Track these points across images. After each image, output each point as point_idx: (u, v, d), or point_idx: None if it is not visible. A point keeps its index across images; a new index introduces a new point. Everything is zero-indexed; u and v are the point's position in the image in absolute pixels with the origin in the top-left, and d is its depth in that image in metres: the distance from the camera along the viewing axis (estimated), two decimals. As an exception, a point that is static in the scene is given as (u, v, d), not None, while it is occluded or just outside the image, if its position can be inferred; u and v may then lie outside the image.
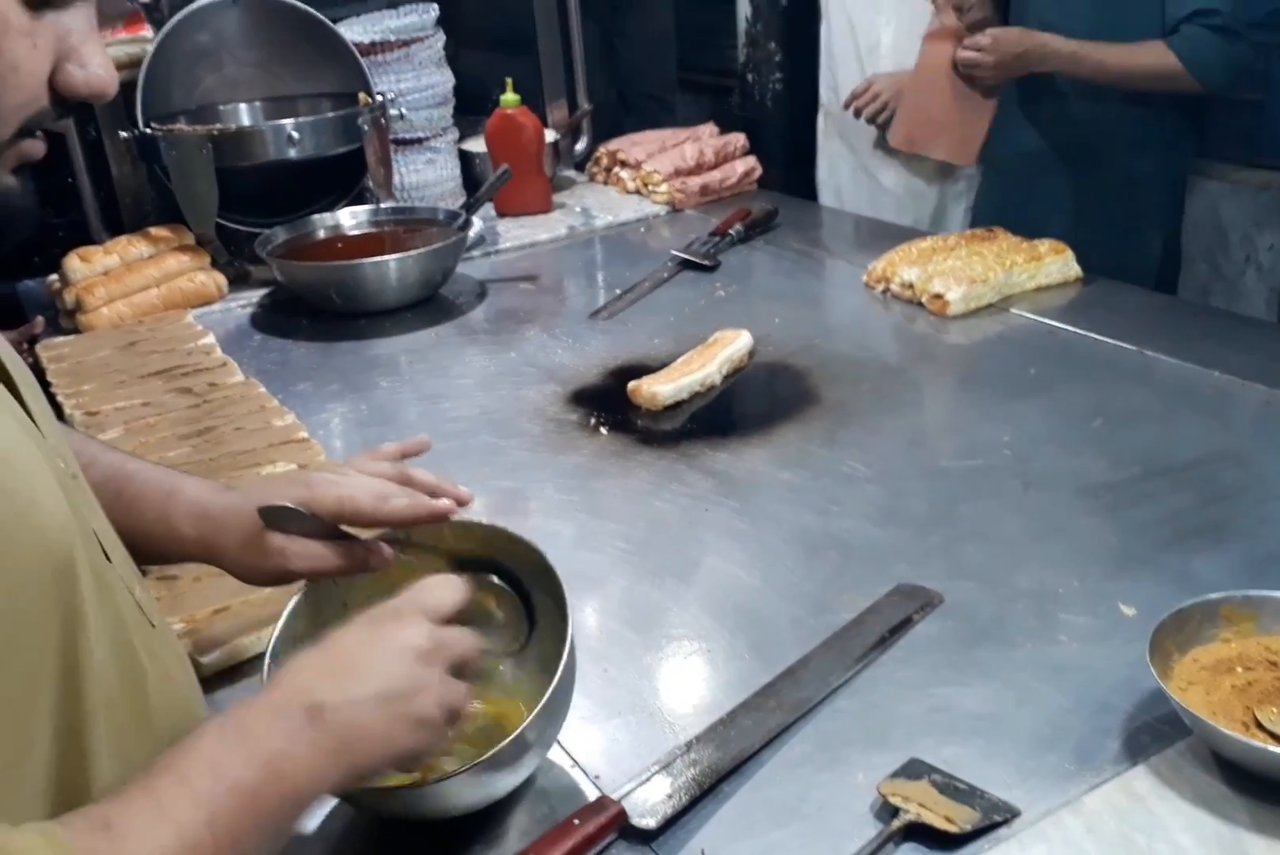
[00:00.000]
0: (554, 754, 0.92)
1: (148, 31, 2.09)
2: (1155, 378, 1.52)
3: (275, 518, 0.86)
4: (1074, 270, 1.82)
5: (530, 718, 0.79)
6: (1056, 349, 1.63)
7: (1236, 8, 1.90)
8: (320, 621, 0.90)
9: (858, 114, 2.42)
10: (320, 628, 0.85)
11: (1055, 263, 1.81)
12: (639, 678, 1.02)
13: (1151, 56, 1.93)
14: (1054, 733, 0.92)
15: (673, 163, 2.42)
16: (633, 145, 2.54)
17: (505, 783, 0.84)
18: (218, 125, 2.11)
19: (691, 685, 1.02)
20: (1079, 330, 1.67)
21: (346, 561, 0.88)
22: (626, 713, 0.97)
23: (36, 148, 0.63)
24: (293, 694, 0.67)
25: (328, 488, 0.87)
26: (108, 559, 0.69)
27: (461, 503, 0.91)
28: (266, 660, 0.86)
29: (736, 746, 0.91)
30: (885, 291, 1.83)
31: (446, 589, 0.77)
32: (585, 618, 1.12)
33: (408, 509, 0.88)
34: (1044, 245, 1.83)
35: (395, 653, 0.71)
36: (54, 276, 1.99)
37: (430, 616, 0.74)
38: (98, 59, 0.62)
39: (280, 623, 0.89)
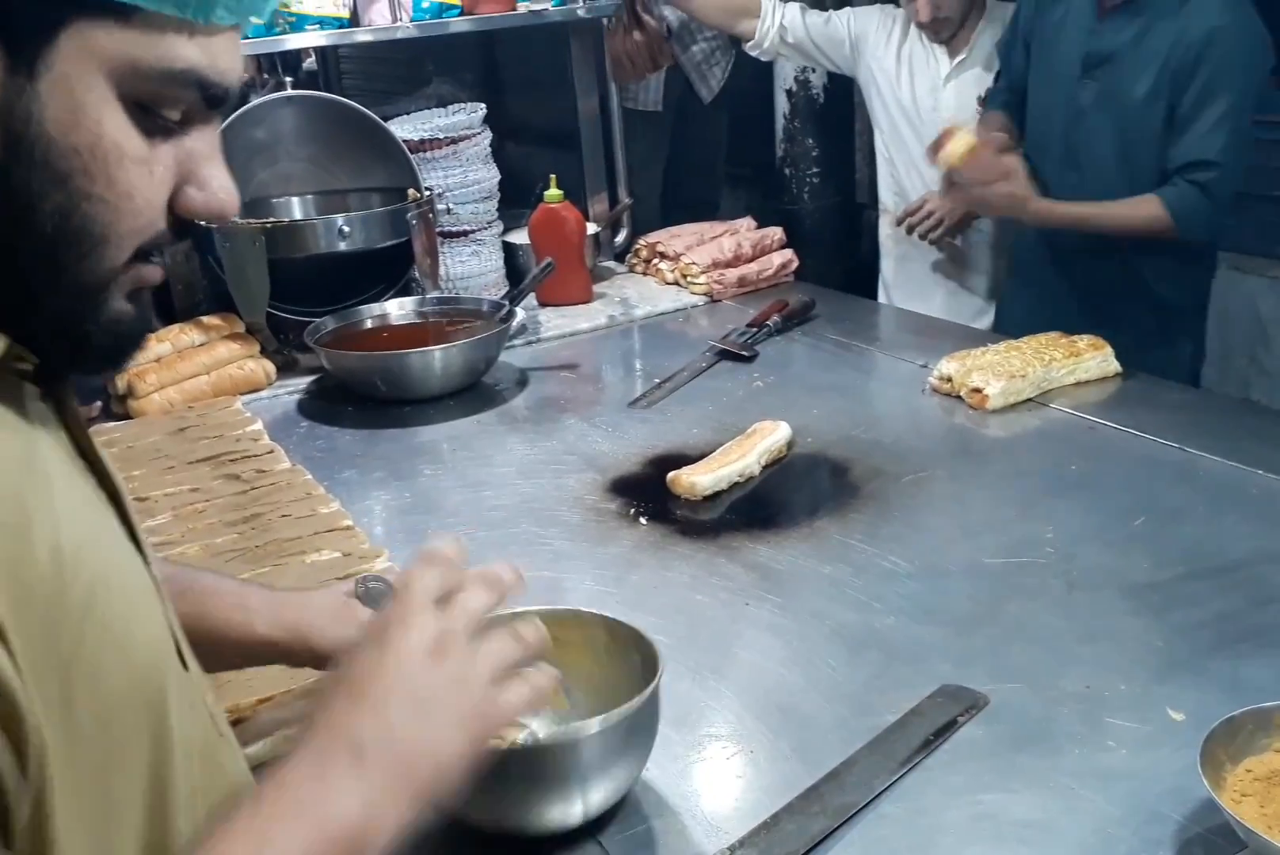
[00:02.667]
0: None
1: (207, 128, 2.17)
2: (1198, 476, 1.51)
3: (371, 595, 0.90)
4: (1113, 366, 1.83)
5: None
6: (1096, 445, 1.63)
7: (1229, 159, 1.94)
8: None
9: (910, 230, 2.45)
10: None
11: (1094, 358, 1.82)
12: (679, 779, 1.01)
13: (1144, 210, 1.99)
14: (1102, 843, 0.90)
15: (711, 255, 2.47)
16: (672, 237, 2.59)
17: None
18: (271, 219, 2.18)
19: (733, 787, 1.01)
20: (1119, 426, 1.67)
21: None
22: (668, 814, 0.96)
23: (154, 273, 0.63)
24: (330, 736, 0.64)
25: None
26: (185, 667, 0.68)
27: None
28: None
29: (779, 851, 0.90)
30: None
31: (429, 567, 0.73)
32: (624, 713, 1.11)
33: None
34: (1083, 341, 1.84)
35: (409, 661, 0.67)
36: (108, 362, 2.04)
37: (423, 600, 0.70)
38: (218, 181, 0.61)
39: None
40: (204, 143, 0.61)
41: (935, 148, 2.10)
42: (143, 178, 0.57)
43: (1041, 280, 2.25)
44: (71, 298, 0.58)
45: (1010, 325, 2.25)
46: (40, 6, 0.52)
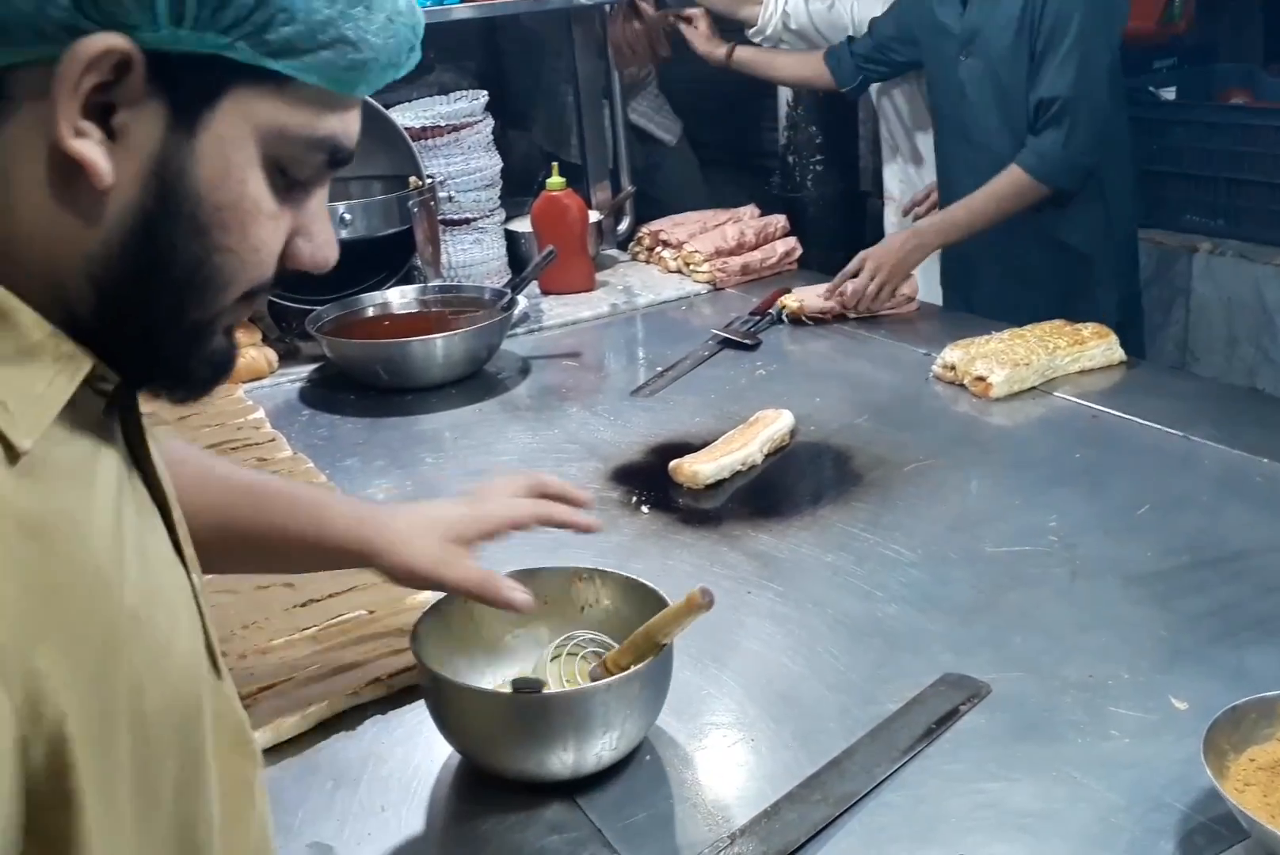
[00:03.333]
0: (595, 842, 0.91)
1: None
2: (1202, 464, 1.51)
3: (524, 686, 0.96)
4: (1118, 354, 1.82)
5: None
6: (1100, 433, 1.63)
7: (1078, 93, 1.99)
8: (447, 627, 1.04)
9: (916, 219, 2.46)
10: (447, 631, 1.03)
11: (1099, 346, 1.81)
12: (681, 766, 1.01)
13: (1008, 183, 2.05)
14: (1105, 831, 0.90)
15: (714, 243, 2.46)
16: (675, 226, 2.59)
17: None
18: (273, 206, 2.17)
19: (735, 775, 1.01)
20: (1124, 414, 1.66)
21: (492, 593, 0.97)
22: (669, 802, 0.96)
23: (249, 311, 0.65)
24: None
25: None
26: (219, 675, 0.68)
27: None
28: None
29: (781, 840, 0.90)
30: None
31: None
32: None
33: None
34: (1087, 329, 1.84)
35: None
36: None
37: None
38: (324, 236, 0.64)
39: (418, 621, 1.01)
40: (318, 199, 0.64)
41: (768, 302, 2.19)
42: (271, 233, 0.61)
43: (962, 256, 2.31)
44: (184, 337, 0.61)
45: (953, 306, 2.36)
46: (209, 71, 0.55)
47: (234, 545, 0.94)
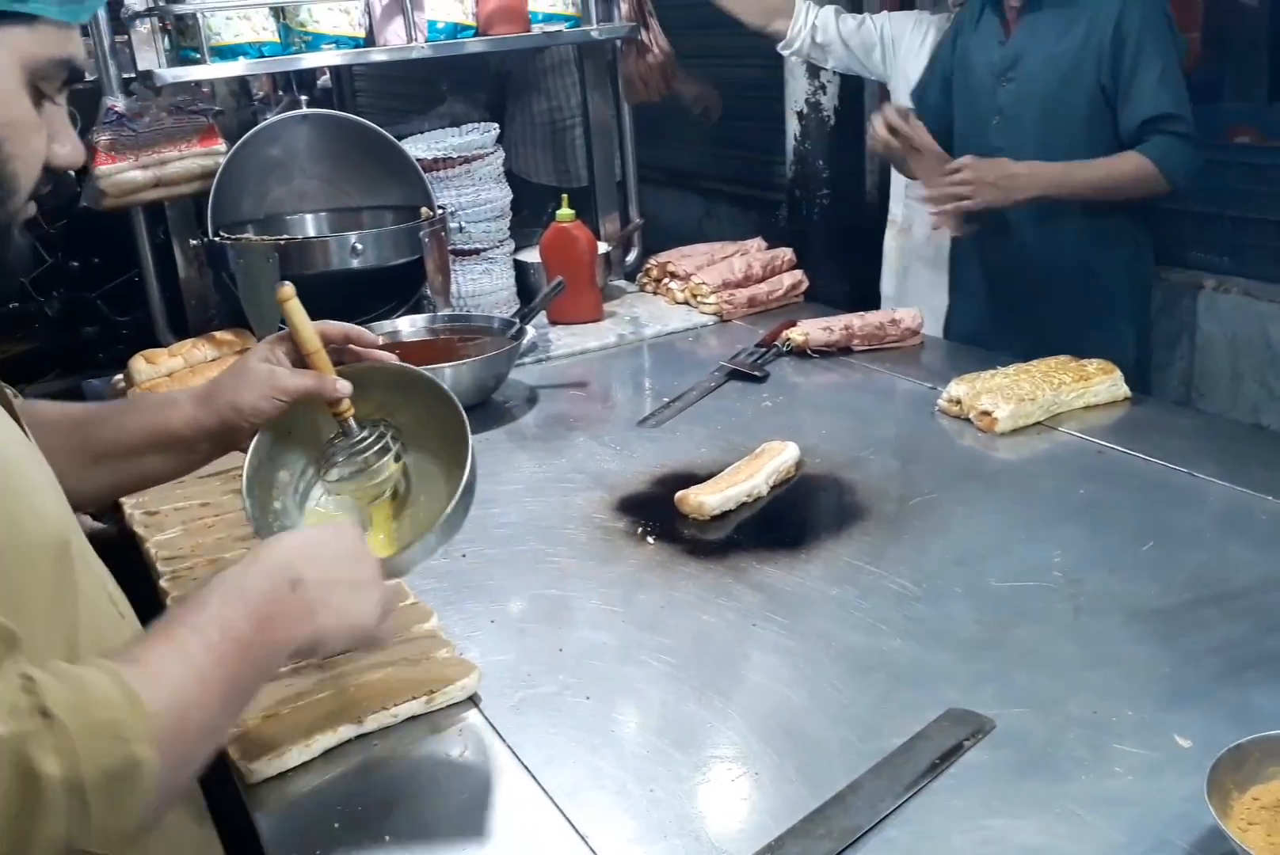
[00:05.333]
0: (598, 877, 0.91)
1: (220, 145, 2.19)
2: (1206, 501, 1.51)
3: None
4: (1122, 390, 1.83)
5: (457, 496, 1.07)
6: (1105, 469, 1.63)
7: (1184, 111, 2.11)
8: (290, 436, 1.15)
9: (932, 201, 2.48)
10: (291, 445, 1.15)
11: (1104, 382, 1.82)
12: (685, 800, 1.01)
13: (1130, 165, 2.12)
14: (1109, 870, 0.90)
15: (721, 275, 2.48)
16: (682, 258, 2.61)
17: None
18: (284, 236, 2.19)
19: (738, 808, 1.01)
20: (1128, 450, 1.67)
21: (321, 386, 1.10)
22: (673, 836, 0.96)
23: (32, 208, 0.84)
24: (279, 567, 0.87)
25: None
26: (79, 552, 0.88)
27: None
28: (245, 470, 1.11)
29: (784, 875, 0.89)
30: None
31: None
32: (627, 732, 1.12)
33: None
34: (1092, 365, 1.85)
35: (361, 553, 0.95)
36: (119, 376, 2.06)
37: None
38: (73, 141, 0.85)
39: (253, 443, 1.12)
40: (63, 112, 0.84)
41: (774, 335, 2.20)
42: (40, 142, 0.81)
43: (981, 264, 2.36)
44: None
45: (962, 322, 2.40)
46: None
47: (121, 455, 1.11)
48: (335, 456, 1.15)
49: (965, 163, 2.15)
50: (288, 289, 1.10)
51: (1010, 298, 2.32)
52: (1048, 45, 2.18)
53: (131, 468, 1.13)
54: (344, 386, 1.10)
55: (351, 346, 1.15)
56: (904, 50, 2.54)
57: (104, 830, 0.69)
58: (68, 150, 0.84)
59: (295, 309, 1.10)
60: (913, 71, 2.53)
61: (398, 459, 1.16)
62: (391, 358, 1.18)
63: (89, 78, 2.85)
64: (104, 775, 0.68)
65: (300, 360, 1.11)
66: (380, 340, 1.19)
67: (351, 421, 1.13)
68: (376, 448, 1.14)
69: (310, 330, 1.11)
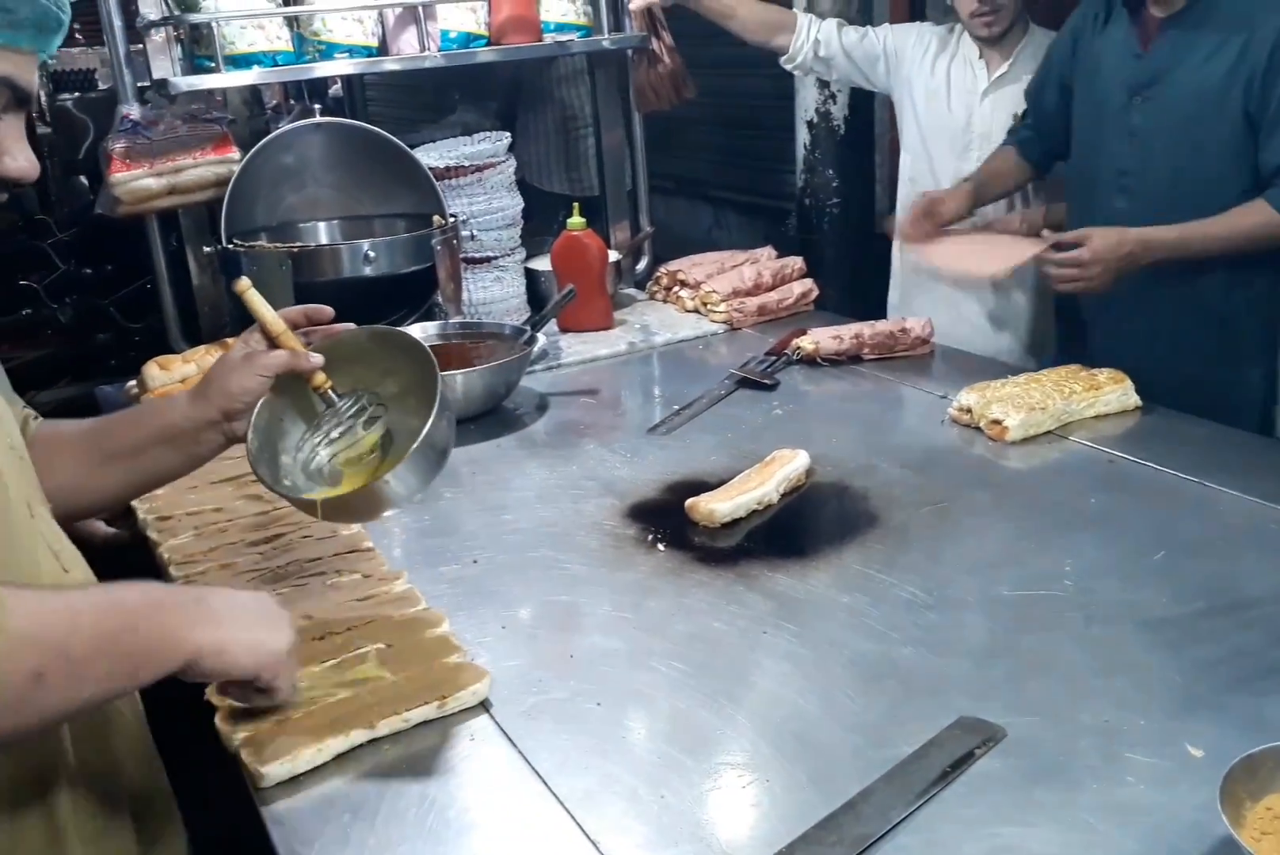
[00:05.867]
0: (610, 883, 0.91)
1: (234, 153, 2.20)
2: (1218, 511, 1.51)
3: None
4: (1133, 399, 1.83)
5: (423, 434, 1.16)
6: (1116, 478, 1.63)
7: None
8: (287, 401, 1.25)
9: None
10: (285, 405, 1.25)
11: (1114, 392, 1.82)
12: (696, 806, 1.01)
13: (1256, 217, 1.90)
14: (1121, 879, 0.90)
15: (731, 284, 2.49)
16: (693, 266, 2.61)
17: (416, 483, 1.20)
18: (297, 243, 2.21)
19: (749, 815, 1.01)
20: (1139, 460, 1.67)
21: (295, 360, 1.20)
22: (684, 842, 0.96)
23: None
24: (192, 589, 1.01)
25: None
26: (30, 515, 0.96)
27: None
28: (249, 436, 1.20)
29: (796, 882, 0.90)
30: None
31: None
32: (638, 738, 1.12)
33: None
34: (1103, 374, 1.85)
35: (275, 608, 1.02)
36: (133, 383, 2.06)
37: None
38: (25, 155, 0.92)
39: (256, 408, 1.21)
40: (14, 128, 0.92)
41: (784, 343, 2.18)
42: None
43: (1105, 311, 2.17)
44: None
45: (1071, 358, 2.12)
46: None
47: (129, 454, 1.18)
48: (322, 425, 1.27)
49: (1086, 238, 1.94)
50: (244, 281, 1.21)
51: (1131, 336, 2.10)
52: (1195, 63, 1.94)
53: (141, 465, 1.20)
54: (316, 358, 1.22)
55: (315, 327, 1.26)
56: (907, 62, 2.54)
57: None
58: (19, 163, 0.92)
59: (254, 298, 1.21)
60: (918, 83, 2.52)
61: (376, 420, 1.28)
62: (348, 326, 1.29)
63: (103, 86, 2.88)
64: None
65: (273, 345, 1.22)
66: (333, 312, 1.29)
67: (331, 393, 1.24)
68: (355, 413, 1.27)
69: (272, 314, 1.22)
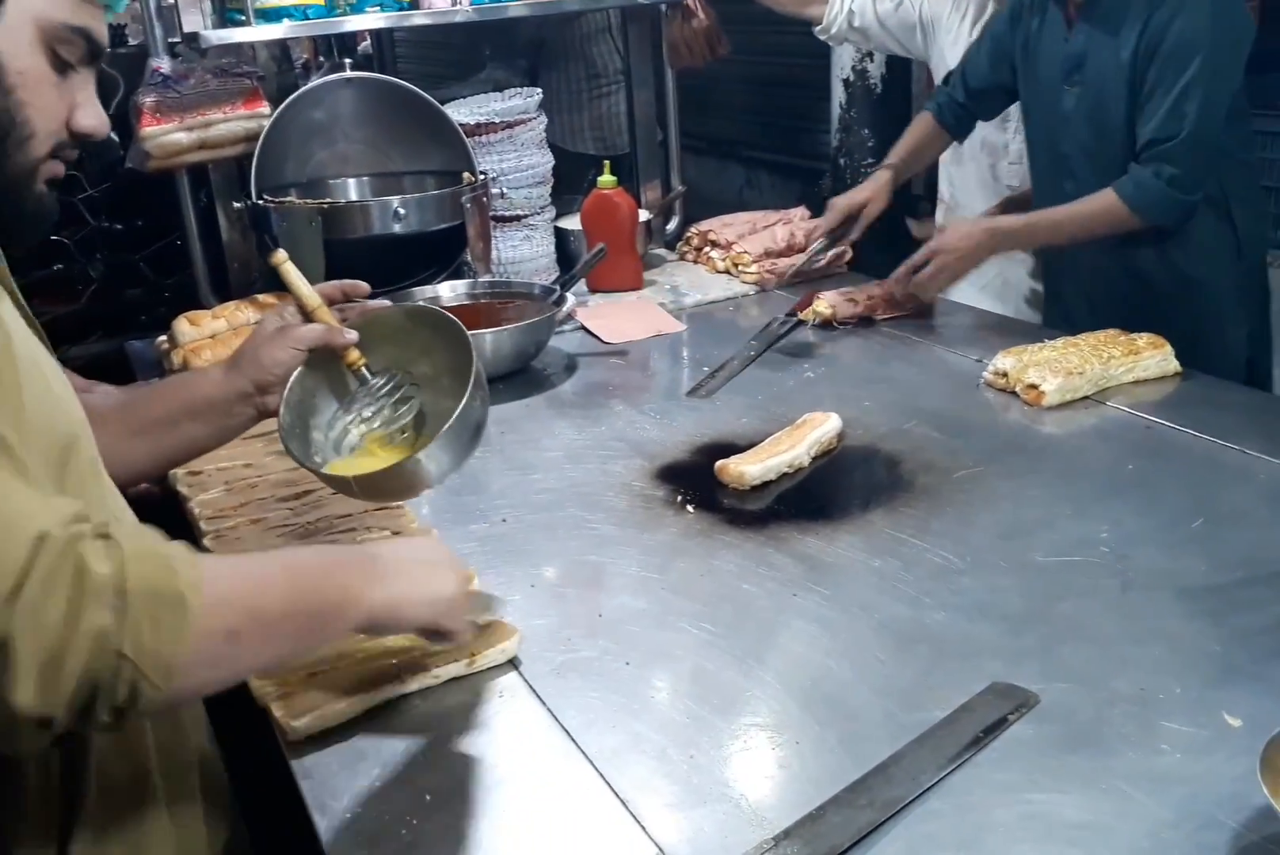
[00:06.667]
0: (640, 840, 0.91)
1: (264, 108, 2.19)
2: (1258, 478, 1.48)
3: None
4: (1172, 365, 1.80)
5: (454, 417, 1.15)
6: (1154, 444, 1.60)
7: (1186, 133, 1.86)
8: (319, 377, 1.25)
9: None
10: (318, 381, 1.24)
11: (1154, 357, 1.78)
12: (725, 766, 1.00)
13: (1099, 203, 1.94)
14: (1155, 847, 0.89)
15: (763, 244, 2.45)
16: (724, 226, 2.58)
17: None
18: (327, 199, 2.19)
19: (779, 777, 1.00)
20: (1177, 426, 1.64)
21: (329, 335, 1.21)
22: (713, 802, 0.96)
23: (59, 169, 0.92)
24: (358, 550, 0.98)
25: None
26: (99, 472, 0.96)
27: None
28: (281, 410, 1.20)
29: (825, 844, 0.89)
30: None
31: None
32: (667, 698, 1.11)
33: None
34: (1142, 339, 1.81)
35: (437, 547, 1.07)
36: (163, 338, 2.06)
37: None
38: (96, 110, 0.93)
39: (289, 384, 1.20)
40: (87, 83, 0.92)
41: (800, 306, 2.17)
42: (53, 96, 0.89)
43: (1076, 278, 2.21)
44: (13, 181, 0.88)
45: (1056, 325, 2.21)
46: None
47: (160, 426, 1.18)
48: (355, 404, 1.26)
49: (931, 253, 2.05)
50: (280, 254, 1.20)
51: (1105, 310, 2.09)
52: (1109, 47, 1.93)
53: (172, 437, 1.19)
54: (350, 334, 1.21)
55: (350, 303, 1.25)
56: (943, 31, 2.48)
57: (141, 646, 0.71)
58: (90, 118, 0.92)
59: (290, 271, 1.20)
60: (951, 55, 2.46)
61: (409, 401, 1.27)
62: (385, 303, 1.30)
63: (133, 42, 2.86)
64: (149, 590, 0.72)
65: (307, 318, 1.22)
66: (369, 289, 1.29)
67: (365, 370, 1.23)
68: (389, 391, 1.26)
69: (308, 288, 1.21)
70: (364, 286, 1.26)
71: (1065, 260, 2.25)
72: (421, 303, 1.28)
